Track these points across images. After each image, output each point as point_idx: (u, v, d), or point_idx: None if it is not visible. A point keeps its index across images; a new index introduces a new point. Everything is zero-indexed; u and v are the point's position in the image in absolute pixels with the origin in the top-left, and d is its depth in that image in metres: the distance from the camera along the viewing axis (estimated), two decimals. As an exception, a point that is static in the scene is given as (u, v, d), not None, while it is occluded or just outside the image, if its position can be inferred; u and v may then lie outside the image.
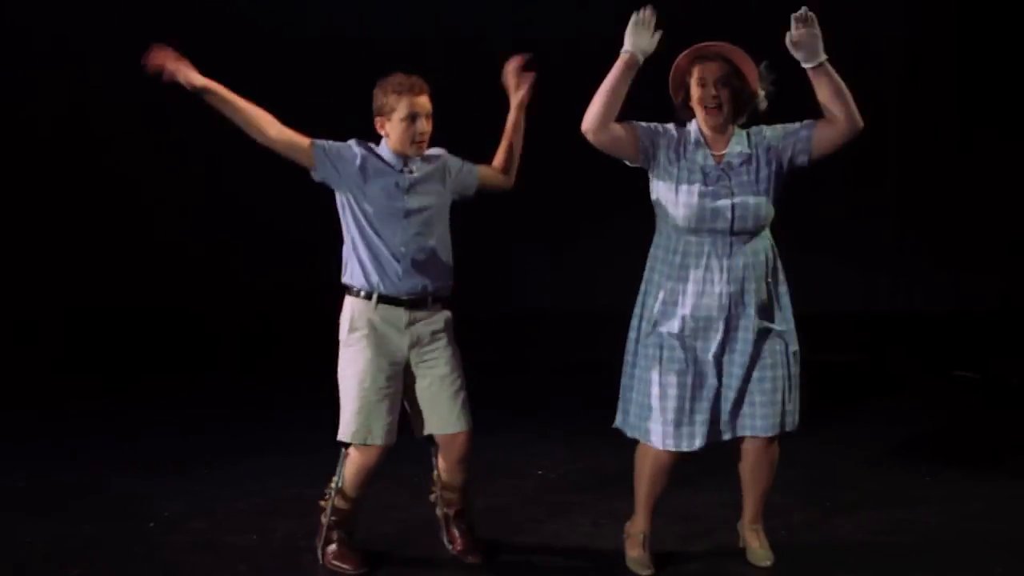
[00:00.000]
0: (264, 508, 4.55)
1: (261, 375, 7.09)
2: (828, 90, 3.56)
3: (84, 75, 7.66)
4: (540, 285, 8.29)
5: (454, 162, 3.93)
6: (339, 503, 3.90)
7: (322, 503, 3.95)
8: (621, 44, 3.60)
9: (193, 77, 3.63)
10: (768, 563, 3.90)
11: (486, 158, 4.03)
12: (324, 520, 3.92)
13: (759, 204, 3.66)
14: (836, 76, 3.55)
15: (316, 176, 3.78)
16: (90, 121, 7.79)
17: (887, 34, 8.40)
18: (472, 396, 3.95)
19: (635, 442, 3.88)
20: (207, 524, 4.38)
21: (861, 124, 3.61)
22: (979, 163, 8.37)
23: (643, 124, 3.75)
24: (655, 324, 3.76)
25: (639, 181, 3.91)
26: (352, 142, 3.82)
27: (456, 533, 4.02)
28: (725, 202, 3.65)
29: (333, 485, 3.89)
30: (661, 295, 3.75)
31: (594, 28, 7.96)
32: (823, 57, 3.52)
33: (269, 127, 3.69)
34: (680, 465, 3.83)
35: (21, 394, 6.60)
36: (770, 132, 3.73)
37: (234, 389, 6.82)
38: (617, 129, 3.68)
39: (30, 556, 4.03)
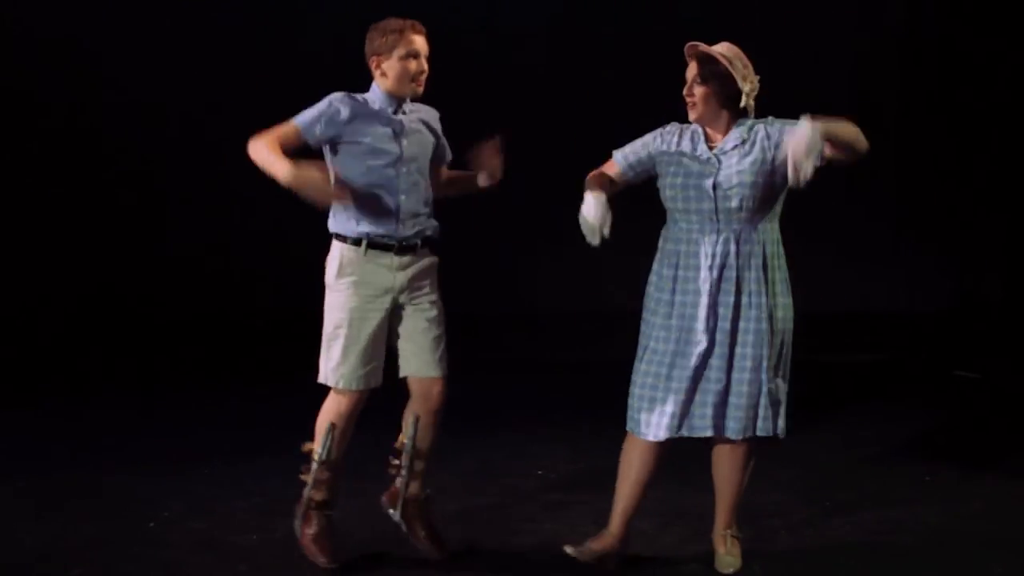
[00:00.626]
0: (264, 508, 4.55)
1: (261, 375, 7.09)
2: (836, 148, 3.55)
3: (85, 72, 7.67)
4: (540, 285, 8.29)
5: (439, 127, 3.97)
6: (321, 474, 3.86)
7: (303, 477, 3.90)
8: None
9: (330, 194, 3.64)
10: (732, 570, 3.85)
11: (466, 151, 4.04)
12: (306, 493, 3.88)
13: (743, 183, 3.66)
14: (837, 133, 3.51)
15: (313, 143, 3.75)
16: (91, 122, 7.80)
17: (885, 32, 8.40)
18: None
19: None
20: (207, 524, 4.37)
21: (865, 151, 3.59)
22: (979, 163, 8.37)
23: (625, 153, 3.83)
24: (650, 312, 3.81)
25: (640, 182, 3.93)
26: (333, 97, 3.77)
27: (417, 520, 3.94)
28: (708, 181, 3.69)
29: (316, 457, 3.85)
30: (654, 281, 3.81)
31: (595, 30, 8.01)
32: (818, 132, 3.44)
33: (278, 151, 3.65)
34: (680, 465, 3.83)
35: (21, 394, 6.61)
36: (773, 123, 3.74)
37: (234, 389, 6.82)
38: (616, 183, 3.83)
39: (30, 556, 4.03)
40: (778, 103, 3.80)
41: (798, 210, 3.97)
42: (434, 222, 3.90)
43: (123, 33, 7.63)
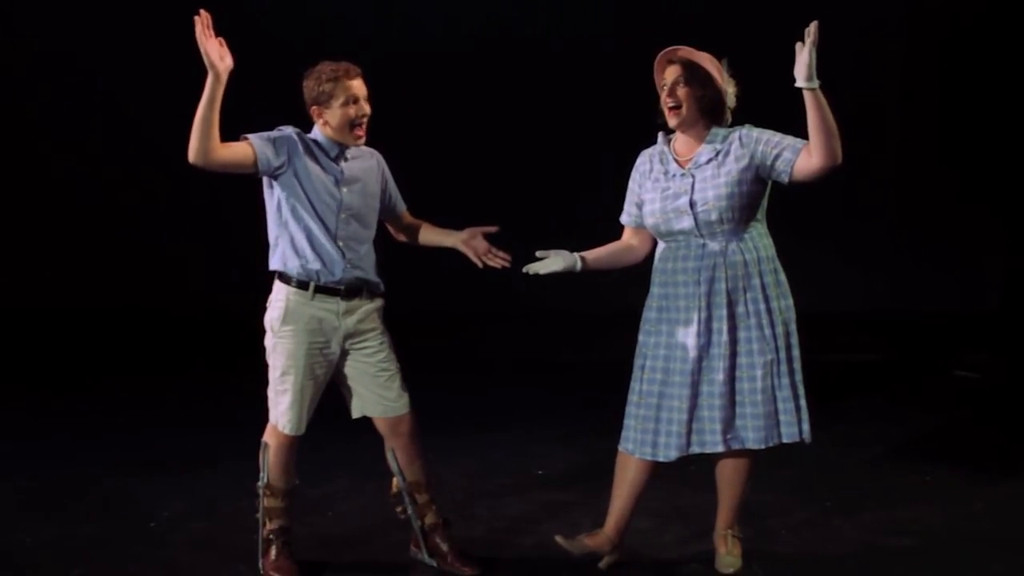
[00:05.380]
0: (264, 508, 4.54)
1: (261, 374, 7.07)
2: (812, 118, 3.44)
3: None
4: (540, 285, 8.27)
5: (391, 178, 3.93)
6: (270, 502, 3.82)
7: (256, 515, 3.86)
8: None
9: (224, 65, 3.43)
10: (732, 570, 3.84)
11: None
12: (260, 524, 3.83)
13: (719, 196, 3.63)
14: (825, 107, 3.41)
15: (261, 168, 3.65)
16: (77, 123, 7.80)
17: (887, 32, 8.39)
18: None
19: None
20: (207, 524, 4.38)
21: (839, 161, 3.48)
22: (979, 163, 8.36)
23: (627, 211, 3.92)
24: (644, 333, 3.81)
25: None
26: (285, 127, 3.74)
27: (443, 547, 3.90)
28: (684, 199, 3.67)
29: (260, 483, 3.82)
30: (647, 301, 3.82)
31: (597, 33, 8.01)
32: (815, 84, 3.40)
33: (220, 144, 3.53)
34: (680, 465, 3.83)
35: (21, 394, 6.60)
36: (750, 131, 3.68)
37: (234, 388, 6.80)
38: (641, 238, 3.90)
39: (30, 556, 4.03)
40: (777, 105, 3.79)
41: (799, 211, 3.97)
42: (377, 273, 3.84)
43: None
